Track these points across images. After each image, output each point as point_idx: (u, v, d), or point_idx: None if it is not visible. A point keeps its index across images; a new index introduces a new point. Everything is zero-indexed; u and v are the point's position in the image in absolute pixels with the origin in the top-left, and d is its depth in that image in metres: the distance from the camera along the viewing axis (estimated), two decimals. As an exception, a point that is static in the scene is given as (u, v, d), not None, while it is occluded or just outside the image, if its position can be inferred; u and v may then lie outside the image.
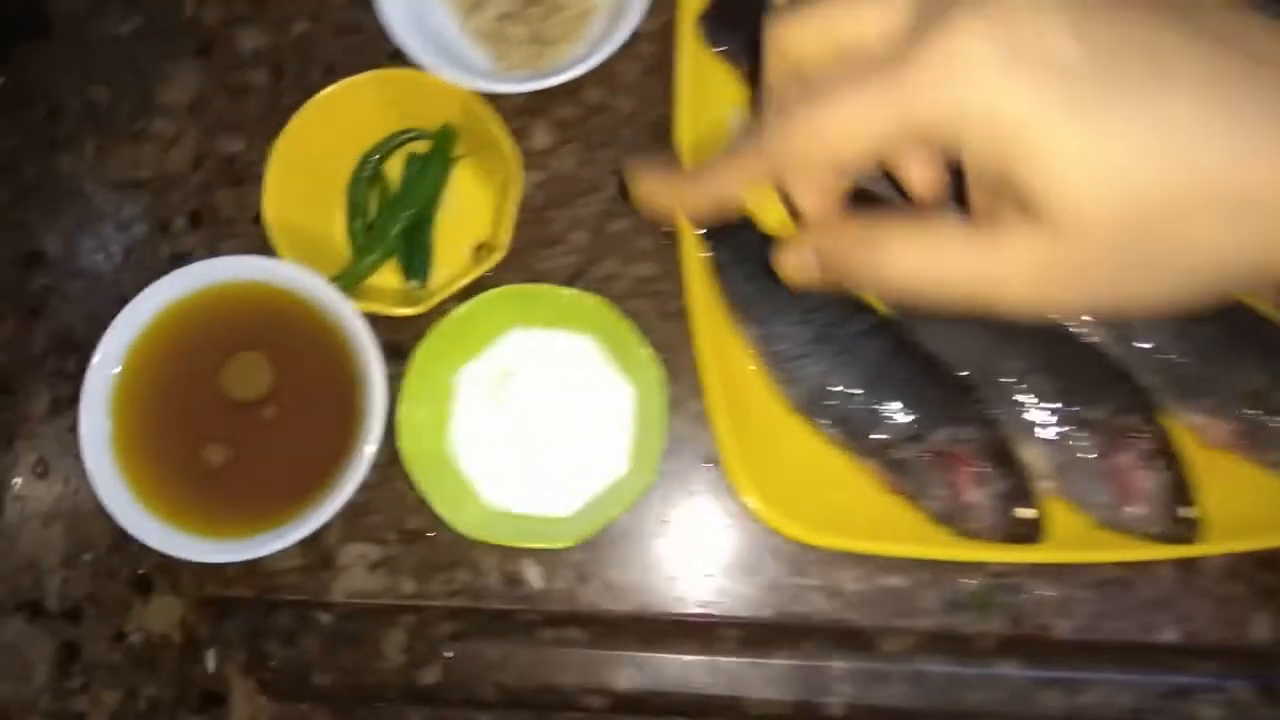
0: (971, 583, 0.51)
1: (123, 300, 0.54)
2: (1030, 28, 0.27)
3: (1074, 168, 0.26)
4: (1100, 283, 0.29)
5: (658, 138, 0.55)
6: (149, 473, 0.48)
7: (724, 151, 0.34)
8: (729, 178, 0.35)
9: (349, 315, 0.48)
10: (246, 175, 0.56)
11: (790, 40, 0.32)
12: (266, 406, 0.48)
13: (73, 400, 0.53)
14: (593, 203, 0.55)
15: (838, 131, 0.30)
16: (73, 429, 0.53)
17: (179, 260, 0.55)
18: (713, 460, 0.52)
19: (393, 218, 0.52)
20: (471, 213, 0.55)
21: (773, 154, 0.32)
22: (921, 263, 0.31)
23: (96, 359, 0.47)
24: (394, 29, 0.51)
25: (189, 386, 0.49)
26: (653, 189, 0.38)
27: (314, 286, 0.48)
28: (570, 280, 0.54)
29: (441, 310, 0.53)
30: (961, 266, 0.30)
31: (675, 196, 0.38)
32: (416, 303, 0.51)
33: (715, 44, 0.52)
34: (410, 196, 0.52)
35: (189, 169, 0.56)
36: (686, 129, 0.51)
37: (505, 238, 0.51)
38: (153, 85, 0.57)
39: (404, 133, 0.54)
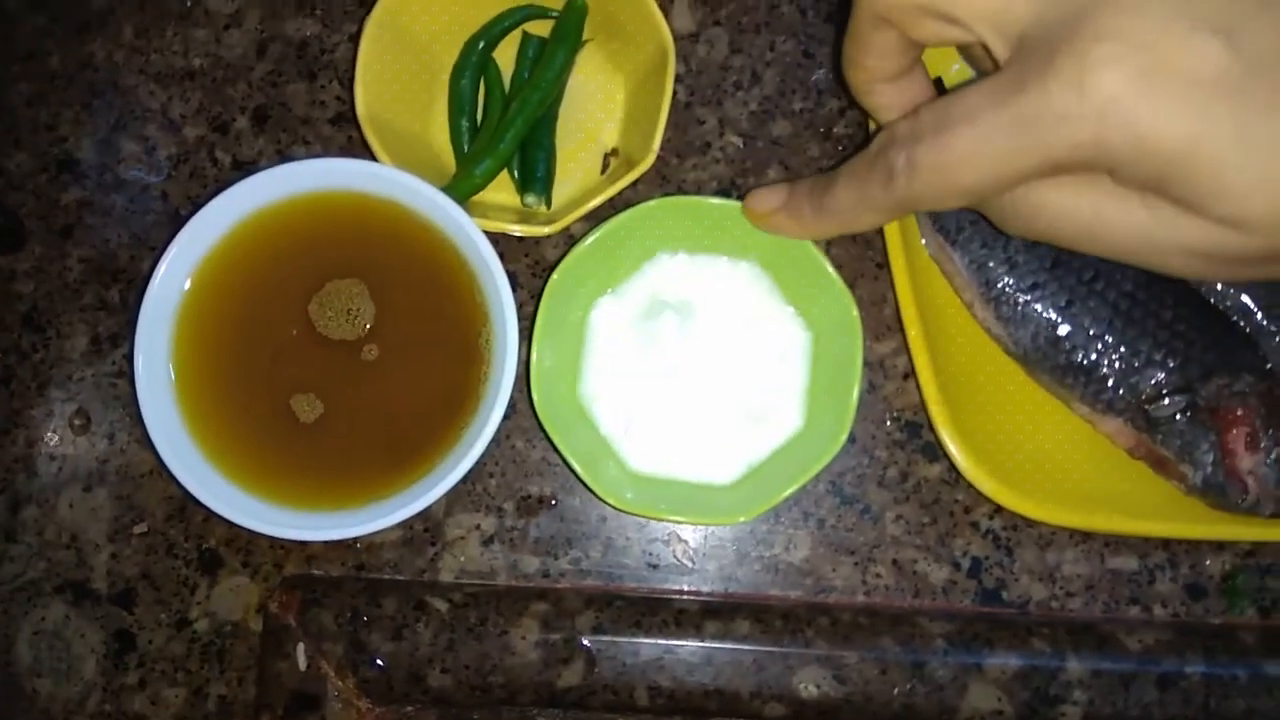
0: (1217, 564, 0.42)
1: (174, 218, 0.45)
2: (1170, 44, 0.24)
3: (1246, 183, 0.25)
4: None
5: (827, 16, 0.45)
6: (221, 427, 0.38)
7: (850, 166, 0.33)
8: (853, 208, 0.34)
9: (471, 234, 0.38)
10: (322, 65, 0.46)
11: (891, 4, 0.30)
12: (366, 346, 0.39)
13: (116, 339, 0.44)
14: (748, 100, 0.45)
15: (968, 165, 0.28)
16: (119, 374, 0.44)
17: (242, 169, 0.45)
18: (901, 417, 0.43)
19: (509, 117, 0.42)
20: (599, 110, 0.45)
21: (901, 196, 0.31)
22: (1075, 205, 0.29)
23: (155, 286, 0.38)
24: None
25: (271, 321, 0.39)
26: (775, 218, 0.37)
27: (424, 197, 0.38)
28: (721, 194, 0.45)
29: (571, 231, 0.44)
30: (1124, 228, 0.28)
31: (799, 225, 0.37)
32: (544, 221, 0.42)
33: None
34: (530, 90, 0.42)
35: (251, 57, 0.46)
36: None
37: (654, 143, 0.40)
38: (203, -47, 0.47)
39: (518, 10, 0.44)
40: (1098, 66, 0.25)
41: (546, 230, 0.40)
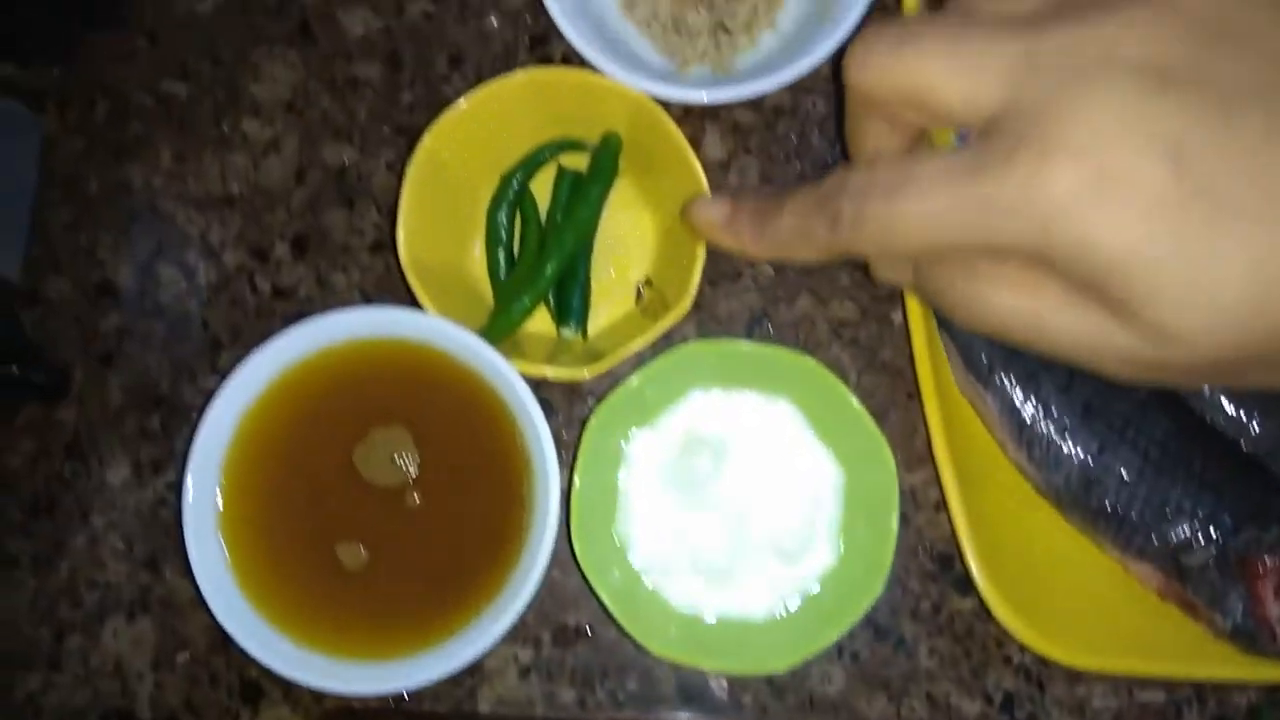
0: (1243, 698, 0.42)
1: (214, 346, 0.45)
2: (1122, 159, 0.25)
3: (1178, 298, 0.26)
4: (1209, 377, 0.29)
5: (859, 150, 0.46)
6: (267, 573, 0.39)
7: (799, 198, 0.33)
8: (793, 241, 0.34)
9: (512, 382, 0.38)
10: (360, 191, 0.46)
11: (867, 80, 0.30)
12: (410, 493, 0.39)
13: (157, 466, 0.45)
14: (781, 229, 0.45)
15: (914, 230, 0.29)
16: (160, 503, 0.45)
17: (282, 295, 0.45)
18: (934, 548, 0.43)
19: (545, 255, 0.43)
20: (632, 240, 0.45)
21: (844, 243, 0.31)
22: (1019, 306, 0.29)
23: (202, 432, 0.38)
24: (557, 15, 0.40)
25: (316, 467, 0.39)
26: (712, 222, 0.37)
27: (466, 345, 0.39)
28: (752, 324, 0.45)
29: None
30: (1065, 332, 0.29)
31: (737, 243, 0.36)
32: (577, 356, 0.42)
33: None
34: (566, 229, 0.43)
35: (290, 183, 0.47)
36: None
37: (691, 288, 0.41)
38: (241, 78, 0.47)
39: (554, 144, 0.44)
40: (1051, 171, 0.26)
41: (585, 373, 0.41)
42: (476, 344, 0.39)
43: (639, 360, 0.41)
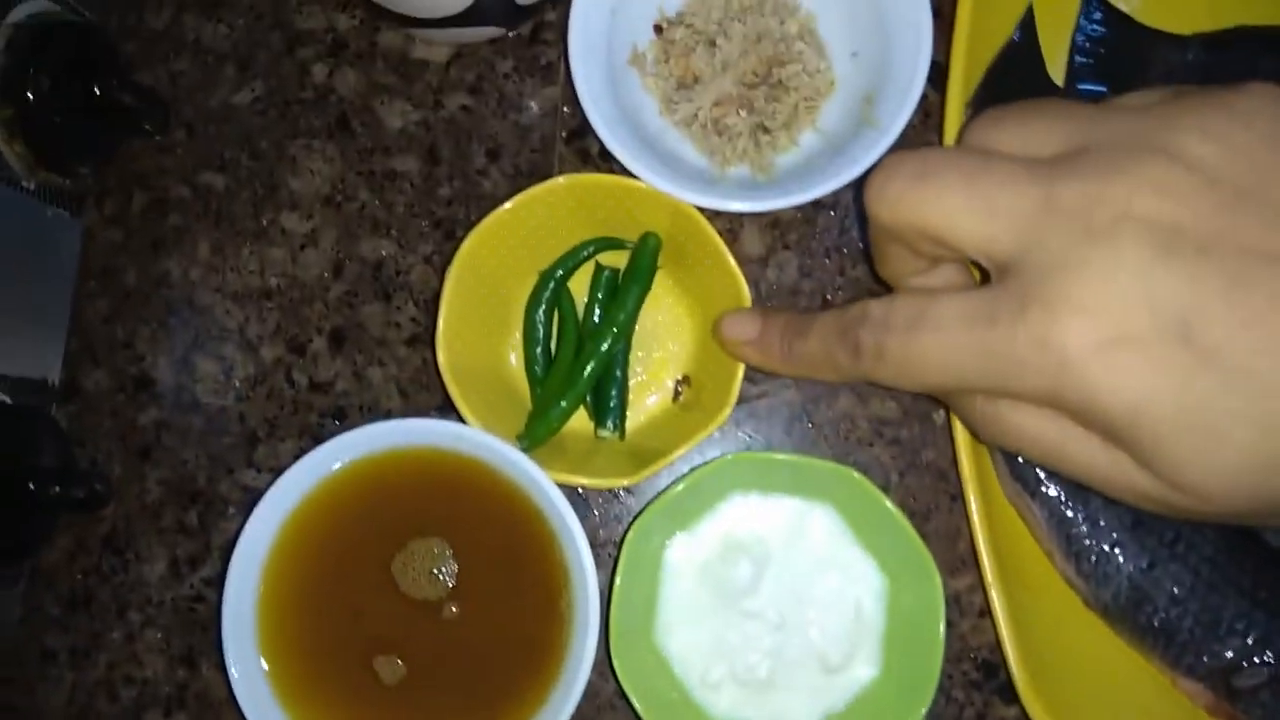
0: (1296, 811, 0.41)
1: (251, 440, 0.45)
2: (1132, 324, 0.26)
3: (1182, 456, 0.27)
4: (1233, 520, 0.29)
5: (900, 246, 0.45)
6: (305, 687, 0.39)
7: (824, 324, 0.34)
8: (818, 365, 0.35)
9: (550, 495, 0.38)
10: (398, 285, 0.46)
11: (885, 213, 0.31)
12: (448, 605, 0.39)
13: (194, 562, 0.45)
14: (820, 326, 0.45)
15: (931, 369, 0.30)
16: (197, 599, 0.45)
17: (319, 390, 0.45)
18: (978, 655, 0.43)
19: (585, 354, 0.42)
20: (669, 337, 0.45)
21: (866, 372, 0.32)
22: (1041, 430, 0.30)
23: (243, 543, 0.38)
24: (597, 122, 0.40)
25: (353, 579, 0.39)
26: (741, 340, 0.38)
27: (506, 458, 0.39)
28: (792, 421, 0.45)
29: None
30: (1084, 462, 0.30)
31: (766, 361, 0.38)
32: (615, 453, 0.42)
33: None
34: (604, 333, 0.42)
35: (328, 276, 0.47)
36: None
37: (731, 397, 0.41)
38: (279, 171, 0.47)
39: (592, 242, 0.44)
40: (1062, 329, 0.27)
41: (625, 483, 0.41)
42: (515, 456, 0.38)
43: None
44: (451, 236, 0.46)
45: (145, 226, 0.47)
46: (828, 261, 0.46)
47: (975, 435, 0.33)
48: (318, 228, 0.47)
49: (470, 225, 0.41)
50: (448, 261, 0.41)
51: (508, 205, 0.41)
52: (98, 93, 0.43)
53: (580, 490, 0.45)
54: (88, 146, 0.46)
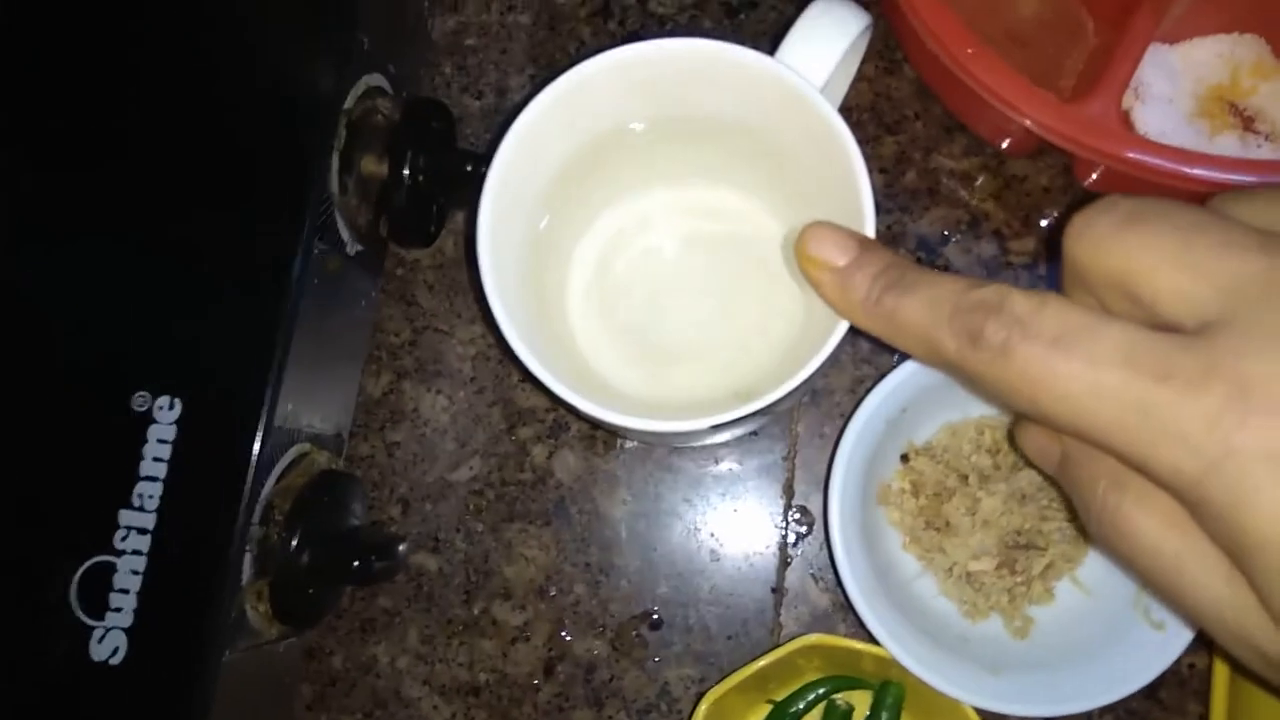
0: None
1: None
2: None
3: None
4: None
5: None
6: None
7: (942, 288, 0.28)
8: (911, 335, 0.28)
9: None
10: (610, 691, 0.44)
11: (1080, 255, 0.26)
12: None
13: None
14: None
15: (1062, 399, 0.25)
16: None
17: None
18: None
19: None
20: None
21: (971, 365, 0.26)
22: (1161, 540, 0.25)
23: None
24: (856, 598, 0.38)
25: None
26: (822, 274, 0.30)
27: None
28: None
29: None
30: (1199, 589, 0.25)
31: (842, 299, 0.30)
32: None
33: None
34: (845, 775, 0.40)
35: (539, 675, 0.45)
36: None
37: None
38: (493, 555, 0.46)
39: (830, 680, 0.42)
40: (1242, 419, 0.22)
41: None
42: None
43: None
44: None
45: (355, 607, 0.46)
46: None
47: (1084, 524, 0.28)
48: (530, 620, 0.45)
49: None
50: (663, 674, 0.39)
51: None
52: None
53: None
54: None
